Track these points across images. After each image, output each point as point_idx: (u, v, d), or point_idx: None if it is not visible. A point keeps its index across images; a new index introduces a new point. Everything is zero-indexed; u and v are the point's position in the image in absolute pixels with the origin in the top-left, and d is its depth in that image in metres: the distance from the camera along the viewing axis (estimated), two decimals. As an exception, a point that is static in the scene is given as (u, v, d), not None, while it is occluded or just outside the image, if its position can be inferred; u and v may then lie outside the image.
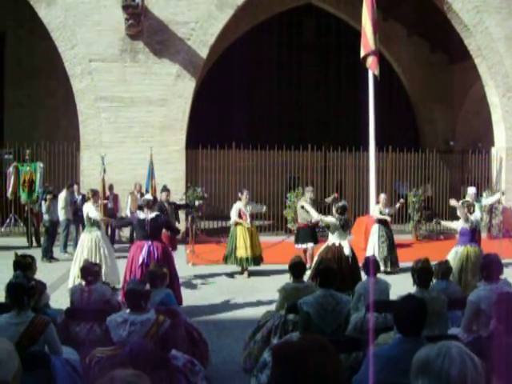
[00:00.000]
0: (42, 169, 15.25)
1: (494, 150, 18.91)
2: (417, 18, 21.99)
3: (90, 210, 10.11)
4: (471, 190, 13.83)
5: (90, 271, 6.31)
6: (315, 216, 10.18)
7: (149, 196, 9.68)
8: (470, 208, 9.50)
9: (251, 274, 11.76)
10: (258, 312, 7.66)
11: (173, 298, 6.28)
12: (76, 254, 10.18)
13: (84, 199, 12.85)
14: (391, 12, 22.13)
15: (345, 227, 9.06)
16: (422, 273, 5.63)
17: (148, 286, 5.68)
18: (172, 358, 4.66)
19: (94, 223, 10.17)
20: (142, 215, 8.64)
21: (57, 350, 4.72)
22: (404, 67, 23.85)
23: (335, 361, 2.06)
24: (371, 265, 6.71)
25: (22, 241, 14.96)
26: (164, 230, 9.44)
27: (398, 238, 16.31)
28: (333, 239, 8.99)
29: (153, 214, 8.66)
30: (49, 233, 13.57)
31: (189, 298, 9.28)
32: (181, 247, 15.25)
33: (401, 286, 7.94)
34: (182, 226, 16.35)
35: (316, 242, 12.34)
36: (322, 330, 4.80)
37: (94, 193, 10.43)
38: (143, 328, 4.65)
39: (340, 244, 8.90)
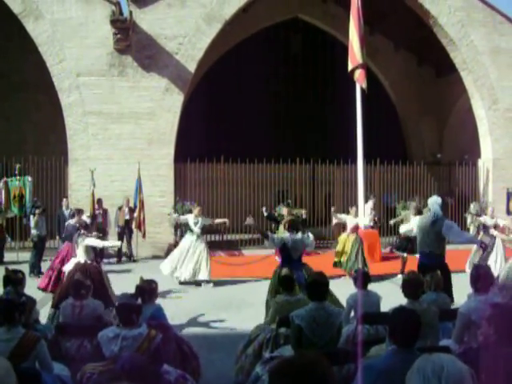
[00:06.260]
0: (31, 183, 15.16)
1: (480, 162, 19.07)
2: (403, 32, 22.21)
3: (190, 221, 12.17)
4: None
5: (82, 285, 6.27)
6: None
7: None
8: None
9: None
10: (248, 325, 7.63)
11: (163, 312, 6.26)
12: (179, 250, 12.14)
13: (73, 215, 12.84)
14: (378, 26, 22.34)
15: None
16: (412, 284, 5.65)
17: (139, 301, 5.67)
18: (164, 372, 4.64)
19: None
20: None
21: (48, 366, 4.68)
22: (391, 80, 24.04)
23: (331, 376, 2.08)
24: (360, 277, 6.73)
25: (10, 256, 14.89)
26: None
27: (388, 250, 16.44)
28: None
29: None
30: (37, 248, 13.46)
31: (178, 311, 9.25)
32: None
33: (391, 297, 7.96)
34: (170, 239, 16.38)
35: None
36: (314, 342, 4.80)
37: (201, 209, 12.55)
38: (135, 343, 4.63)
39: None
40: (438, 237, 8.02)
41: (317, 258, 15.13)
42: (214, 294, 11.39)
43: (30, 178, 15.12)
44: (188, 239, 12.20)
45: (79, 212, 11.92)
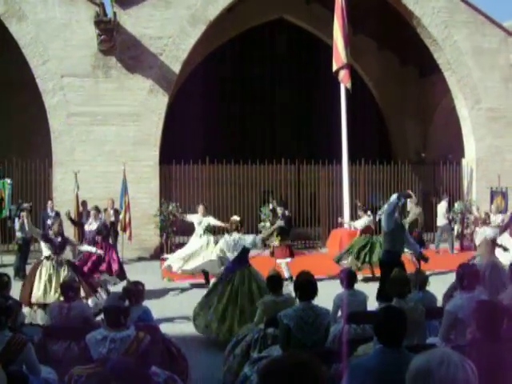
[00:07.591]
0: (11, 185, 14.97)
1: (464, 162, 19.23)
2: (387, 32, 22.31)
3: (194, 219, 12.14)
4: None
5: (71, 287, 6.24)
6: None
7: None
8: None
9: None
10: (236, 326, 7.63)
11: (150, 314, 6.24)
12: (188, 246, 12.09)
13: (58, 216, 12.74)
14: (361, 26, 22.41)
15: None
16: (398, 283, 5.68)
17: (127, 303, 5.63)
18: (153, 374, 4.62)
19: (207, 229, 12.12)
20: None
21: (35, 369, 4.64)
22: (375, 81, 24.14)
23: (322, 376, 2.09)
24: (346, 276, 6.74)
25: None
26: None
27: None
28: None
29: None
30: (22, 250, 13.36)
31: (166, 313, 9.23)
32: (155, 263, 15.19)
33: (377, 297, 8.00)
34: (156, 240, 16.33)
35: (292, 256, 12.93)
36: (303, 342, 4.80)
37: (205, 207, 12.39)
38: (123, 345, 4.60)
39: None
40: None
41: (303, 258, 15.17)
42: (202, 294, 11.34)
43: (9, 181, 14.92)
44: (193, 241, 12.14)
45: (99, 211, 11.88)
